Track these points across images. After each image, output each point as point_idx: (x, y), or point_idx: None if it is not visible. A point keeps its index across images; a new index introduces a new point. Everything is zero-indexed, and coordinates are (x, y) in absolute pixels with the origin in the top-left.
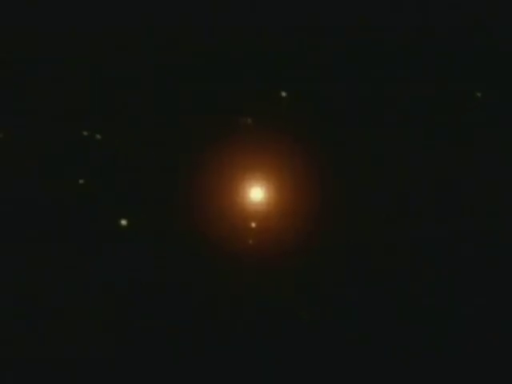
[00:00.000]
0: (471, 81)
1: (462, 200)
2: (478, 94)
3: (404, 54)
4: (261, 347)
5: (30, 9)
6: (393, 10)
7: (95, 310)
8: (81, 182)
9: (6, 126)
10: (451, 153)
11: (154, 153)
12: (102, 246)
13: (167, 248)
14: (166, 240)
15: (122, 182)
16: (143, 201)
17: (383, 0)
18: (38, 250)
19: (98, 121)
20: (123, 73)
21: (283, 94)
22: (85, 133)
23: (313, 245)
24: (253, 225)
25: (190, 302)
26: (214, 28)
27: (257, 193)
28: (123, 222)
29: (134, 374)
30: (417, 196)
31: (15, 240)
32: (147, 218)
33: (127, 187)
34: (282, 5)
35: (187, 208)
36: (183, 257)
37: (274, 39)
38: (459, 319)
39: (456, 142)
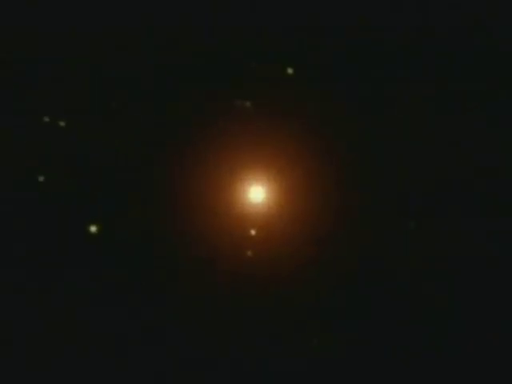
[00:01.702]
0: (471, 81)
1: (462, 200)
2: None
3: (404, 54)
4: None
5: (29, 9)
6: (393, 10)
7: (95, 310)
8: (80, 182)
9: (5, 126)
10: (451, 153)
11: (153, 153)
12: (102, 247)
13: (149, 259)
14: (148, 249)
15: (122, 182)
16: (141, 203)
17: (383, 0)
18: (37, 250)
19: (98, 121)
20: (123, 73)
21: (289, 70)
22: (85, 132)
23: (324, 255)
24: (252, 232)
25: (189, 308)
26: (213, 28)
27: (257, 193)
28: (92, 229)
29: (134, 374)
30: (417, 196)
31: (14, 240)
32: (130, 222)
33: (127, 188)
34: (281, 5)
35: (175, 212)
36: (169, 270)
37: (273, 39)
38: (459, 319)
39: (456, 142)
